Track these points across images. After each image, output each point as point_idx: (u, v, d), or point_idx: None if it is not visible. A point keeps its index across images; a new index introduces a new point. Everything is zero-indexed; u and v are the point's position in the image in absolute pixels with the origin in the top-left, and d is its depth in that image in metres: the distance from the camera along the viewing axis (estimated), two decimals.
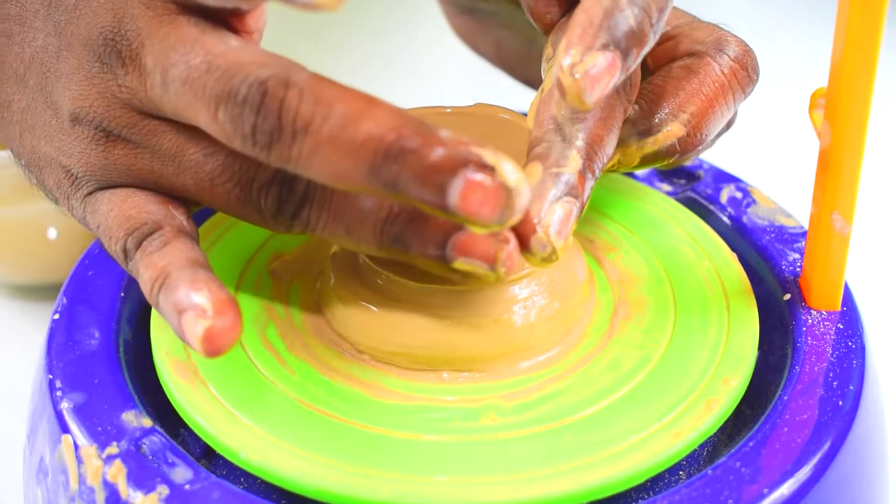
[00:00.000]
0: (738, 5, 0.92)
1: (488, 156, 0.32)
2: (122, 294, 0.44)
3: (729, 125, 0.46)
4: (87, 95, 0.39)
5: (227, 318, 0.36)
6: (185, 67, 0.36)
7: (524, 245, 0.36)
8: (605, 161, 0.40)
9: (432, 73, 0.81)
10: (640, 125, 0.42)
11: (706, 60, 0.43)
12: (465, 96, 0.77)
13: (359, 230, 0.37)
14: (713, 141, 0.45)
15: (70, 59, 0.40)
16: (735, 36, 0.44)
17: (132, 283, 0.45)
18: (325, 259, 0.44)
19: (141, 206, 0.40)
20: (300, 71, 0.34)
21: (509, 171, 0.32)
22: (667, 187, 0.51)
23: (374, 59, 0.84)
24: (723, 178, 0.50)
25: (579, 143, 0.38)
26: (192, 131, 0.39)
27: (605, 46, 0.36)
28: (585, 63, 0.35)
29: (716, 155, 0.54)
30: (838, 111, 0.38)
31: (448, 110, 0.43)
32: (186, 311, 0.36)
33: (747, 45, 0.44)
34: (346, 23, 0.87)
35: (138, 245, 0.39)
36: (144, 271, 0.38)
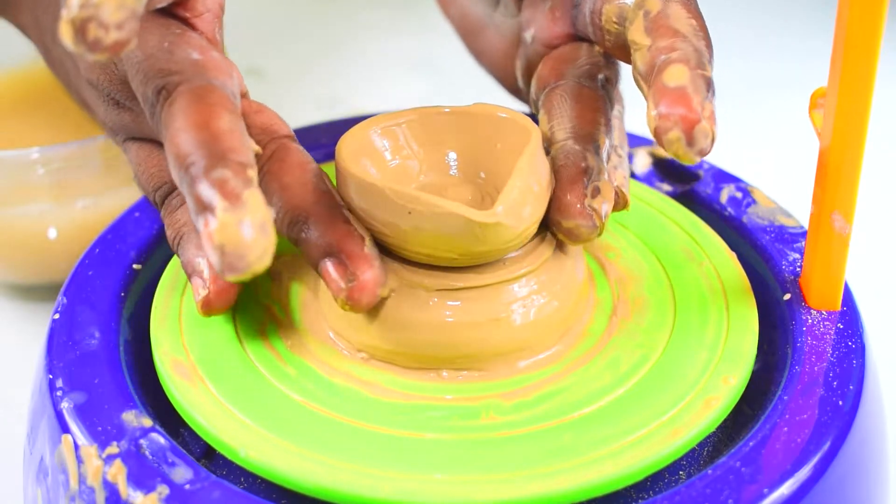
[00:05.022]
0: (739, 5, 0.92)
1: (220, 208, 0.35)
2: (122, 294, 0.44)
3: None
4: (93, 69, 0.44)
5: (221, 285, 0.41)
6: (130, 61, 0.41)
7: (689, 137, 0.37)
8: None
9: (432, 72, 0.81)
10: None
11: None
12: (465, 96, 0.77)
13: (278, 225, 0.41)
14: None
15: None
16: None
17: (132, 284, 0.45)
18: None
19: (162, 164, 0.45)
20: (182, 83, 0.39)
21: (220, 229, 0.35)
22: (667, 187, 0.51)
23: (374, 58, 0.84)
24: (723, 178, 0.50)
25: (708, 56, 0.40)
26: None
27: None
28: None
29: (716, 155, 0.54)
30: (838, 111, 0.38)
31: (447, 110, 0.43)
32: (192, 276, 0.42)
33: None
34: (346, 23, 0.87)
35: (162, 202, 0.45)
36: (167, 228, 0.44)
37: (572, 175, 0.41)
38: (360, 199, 0.40)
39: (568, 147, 0.43)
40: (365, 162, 0.42)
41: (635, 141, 0.52)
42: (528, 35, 0.49)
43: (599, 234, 0.41)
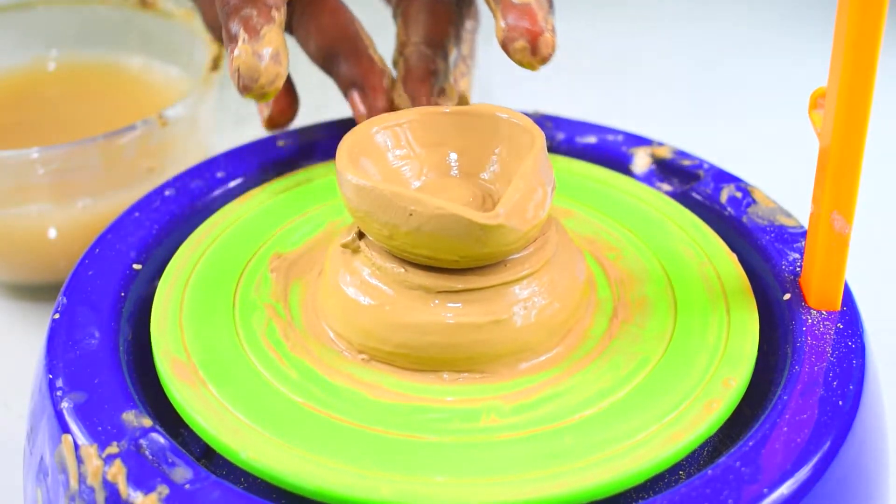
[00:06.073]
0: (739, 6, 0.92)
1: (241, 39, 0.43)
2: (122, 294, 0.44)
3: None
4: None
5: (281, 105, 0.52)
6: None
7: (534, 46, 0.44)
8: None
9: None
10: None
11: None
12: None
13: (314, 59, 0.50)
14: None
15: None
16: None
17: (132, 283, 0.45)
18: (326, 259, 0.44)
19: None
20: None
21: (238, 56, 0.43)
22: (667, 187, 0.51)
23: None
24: (723, 178, 0.50)
25: None
26: None
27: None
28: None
29: (716, 155, 0.54)
30: (838, 111, 0.38)
31: (446, 110, 0.43)
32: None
33: None
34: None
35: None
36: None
37: (421, 74, 0.49)
38: (360, 200, 0.40)
39: (421, 50, 0.50)
40: (365, 162, 0.42)
41: (635, 141, 0.52)
42: None
43: None
